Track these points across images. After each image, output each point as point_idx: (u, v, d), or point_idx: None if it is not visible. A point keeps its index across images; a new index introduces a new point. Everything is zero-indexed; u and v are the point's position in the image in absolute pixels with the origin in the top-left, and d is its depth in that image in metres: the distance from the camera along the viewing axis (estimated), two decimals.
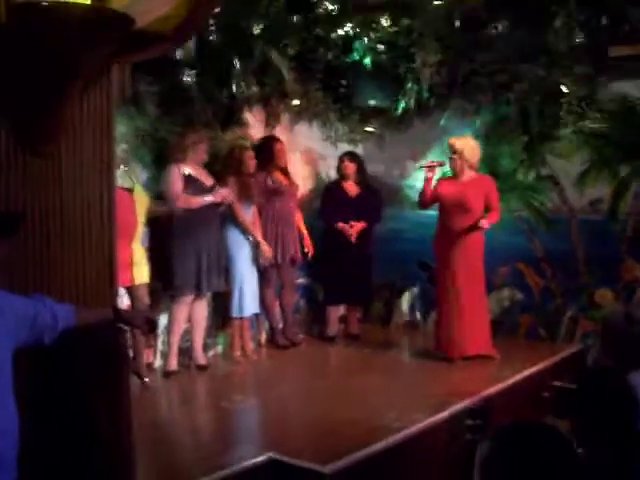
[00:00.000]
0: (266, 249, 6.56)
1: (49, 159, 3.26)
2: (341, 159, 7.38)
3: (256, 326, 7.05)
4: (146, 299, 5.60)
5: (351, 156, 7.37)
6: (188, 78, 6.37)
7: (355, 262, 7.19)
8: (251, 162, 6.54)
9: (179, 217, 5.91)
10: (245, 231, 6.47)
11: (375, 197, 7.45)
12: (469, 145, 6.37)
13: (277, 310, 7.10)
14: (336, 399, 5.36)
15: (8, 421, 2.49)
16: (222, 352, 6.71)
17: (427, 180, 6.40)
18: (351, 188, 7.34)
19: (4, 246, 2.52)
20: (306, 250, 7.11)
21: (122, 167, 5.38)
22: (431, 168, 6.41)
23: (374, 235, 7.43)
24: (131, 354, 5.66)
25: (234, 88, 6.50)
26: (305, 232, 7.14)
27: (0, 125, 3.16)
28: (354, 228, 7.17)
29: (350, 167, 7.31)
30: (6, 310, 2.57)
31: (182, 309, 6.06)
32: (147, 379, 5.76)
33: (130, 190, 5.47)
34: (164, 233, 5.99)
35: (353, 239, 7.14)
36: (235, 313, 6.53)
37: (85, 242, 3.32)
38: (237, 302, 6.48)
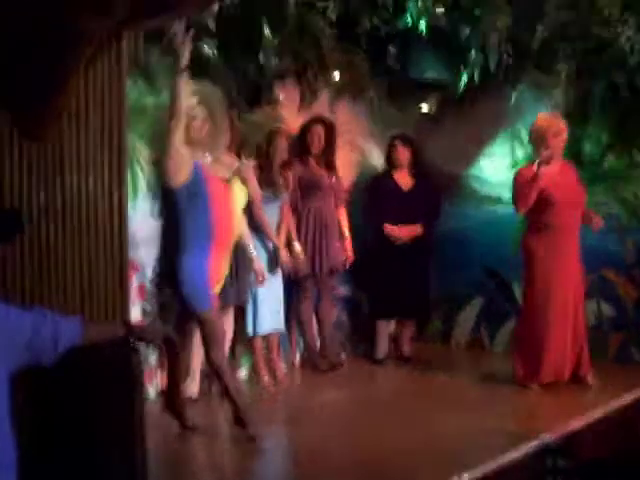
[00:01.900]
0: (284, 257, 6.53)
1: (49, 145, 3.31)
2: (392, 144, 7.35)
3: (289, 345, 7.06)
4: (230, 326, 5.39)
5: (404, 140, 7.34)
6: (208, 48, 6.39)
7: (409, 268, 7.17)
8: (282, 148, 6.55)
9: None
10: (263, 231, 6.44)
11: (434, 190, 7.43)
12: (564, 124, 6.36)
13: (314, 326, 7.11)
14: (385, 434, 5.35)
15: (5, 453, 2.53)
16: (247, 376, 6.73)
17: (535, 178, 6.19)
18: (404, 180, 7.32)
19: None
20: (344, 258, 7.10)
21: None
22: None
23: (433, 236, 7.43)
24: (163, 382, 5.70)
25: (263, 60, 6.51)
26: (348, 235, 7.13)
27: None
28: (405, 232, 7.15)
29: (403, 154, 7.29)
30: (4, 339, 2.60)
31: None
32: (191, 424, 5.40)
33: (227, 181, 5.06)
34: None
35: (401, 241, 7.12)
36: (249, 331, 6.51)
37: (91, 244, 3.37)
38: (251, 318, 6.47)
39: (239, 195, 5.41)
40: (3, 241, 2.58)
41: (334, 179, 7.03)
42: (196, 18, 5.88)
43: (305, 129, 6.95)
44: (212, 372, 5.33)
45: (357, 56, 7.32)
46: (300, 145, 6.90)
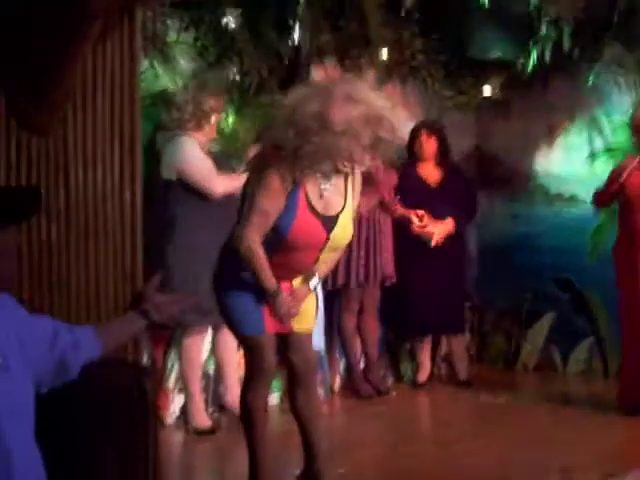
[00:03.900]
0: None
1: (51, 135, 3.35)
2: (416, 132, 7.27)
3: (327, 367, 7.07)
4: (313, 356, 4.85)
5: (430, 128, 7.30)
6: (232, 21, 6.45)
7: (439, 275, 7.15)
8: None
9: (182, 211, 5.90)
10: None
11: (465, 184, 7.40)
12: None
13: (358, 345, 7.13)
14: (441, 476, 5.34)
15: (38, 474, 2.66)
16: (279, 402, 6.75)
17: (617, 177, 6.26)
18: (430, 174, 7.29)
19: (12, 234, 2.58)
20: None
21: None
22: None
23: (470, 238, 7.51)
24: None
25: (298, 34, 6.55)
26: None
27: None
28: (436, 228, 7.11)
29: (429, 144, 7.24)
30: (24, 334, 2.68)
31: (197, 344, 6.06)
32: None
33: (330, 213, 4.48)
34: (163, 233, 5.93)
35: (434, 243, 7.08)
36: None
37: (99, 249, 3.41)
38: None
39: (341, 238, 4.50)
40: (22, 219, 2.63)
41: (387, 173, 7.01)
42: None
43: None
44: (241, 415, 4.77)
45: (408, 31, 7.33)
46: None
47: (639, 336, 6.28)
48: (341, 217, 4.38)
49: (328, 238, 4.36)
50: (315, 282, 4.58)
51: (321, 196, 4.32)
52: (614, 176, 6.28)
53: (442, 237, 7.10)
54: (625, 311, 6.42)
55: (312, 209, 4.28)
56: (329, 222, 4.35)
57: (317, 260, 4.43)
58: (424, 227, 7.06)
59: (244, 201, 4.35)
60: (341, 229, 4.40)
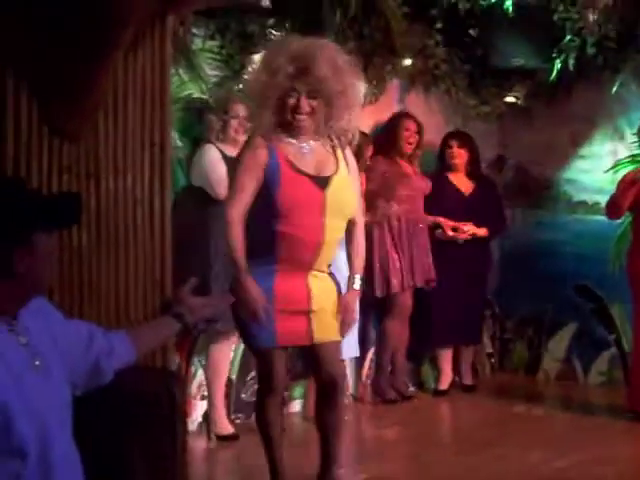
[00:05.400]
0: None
1: (82, 141, 3.37)
2: (447, 142, 7.37)
3: (354, 370, 7.06)
4: (341, 366, 4.73)
5: (462, 139, 7.36)
6: (259, 28, 6.47)
7: (464, 286, 7.18)
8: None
9: (204, 217, 5.92)
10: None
11: (495, 196, 7.50)
12: None
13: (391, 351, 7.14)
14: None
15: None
16: (302, 409, 6.75)
17: (630, 183, 6.29)
18: (463, 183, 7.36)
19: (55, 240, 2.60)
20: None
21: None
22: None
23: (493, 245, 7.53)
24: None
25: None
26: None
27: (19, 96, 3.28)
28: (464, 229, 7.14)
29: (461, 154, 7.32)
30: (59, 336, 2.71)
31: (223, 351, 6.07)
32: None
33: (321, 181, 4.38)
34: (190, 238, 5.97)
35: (461, 239, 7.12)
36: None
37: (130, 253, 3.43)
38: None
39: (340, 200, 4.40)
40: (67, 226, 2.66)
41: (423, 181, 7.12)
42: None
43: (394, 124, 7.09)
44: (257, 428, 4.69)
45: (432, 40, 7.33)
46: (386, 141, 7.03)
47: None
48: (335, 178, 4.37)
49: (325, 198, 4.31)
50: (359, 282, 4.53)
51: (302, 156, 4.34)
52: (625, 186, 6.27)
53: (470, 235, 7.15)
54: (634, 319, 6.43)
55: (295, 168, 4.28)
56: (320, 181, 4.33)
57: (325, 227, 4.32)
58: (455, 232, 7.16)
59: None
60: (338, 190, 4.37)
